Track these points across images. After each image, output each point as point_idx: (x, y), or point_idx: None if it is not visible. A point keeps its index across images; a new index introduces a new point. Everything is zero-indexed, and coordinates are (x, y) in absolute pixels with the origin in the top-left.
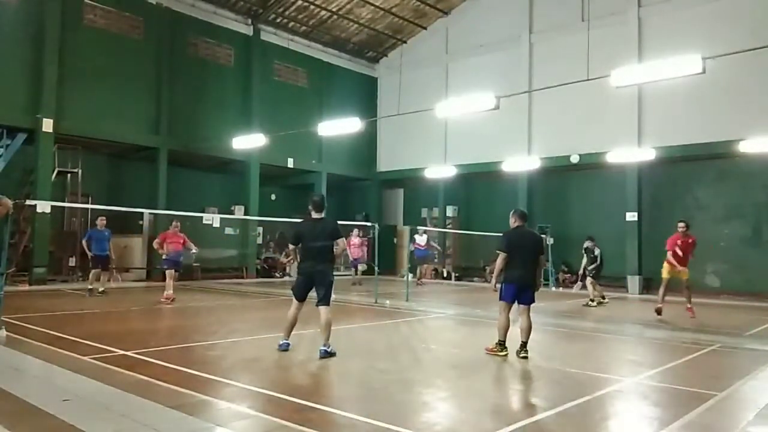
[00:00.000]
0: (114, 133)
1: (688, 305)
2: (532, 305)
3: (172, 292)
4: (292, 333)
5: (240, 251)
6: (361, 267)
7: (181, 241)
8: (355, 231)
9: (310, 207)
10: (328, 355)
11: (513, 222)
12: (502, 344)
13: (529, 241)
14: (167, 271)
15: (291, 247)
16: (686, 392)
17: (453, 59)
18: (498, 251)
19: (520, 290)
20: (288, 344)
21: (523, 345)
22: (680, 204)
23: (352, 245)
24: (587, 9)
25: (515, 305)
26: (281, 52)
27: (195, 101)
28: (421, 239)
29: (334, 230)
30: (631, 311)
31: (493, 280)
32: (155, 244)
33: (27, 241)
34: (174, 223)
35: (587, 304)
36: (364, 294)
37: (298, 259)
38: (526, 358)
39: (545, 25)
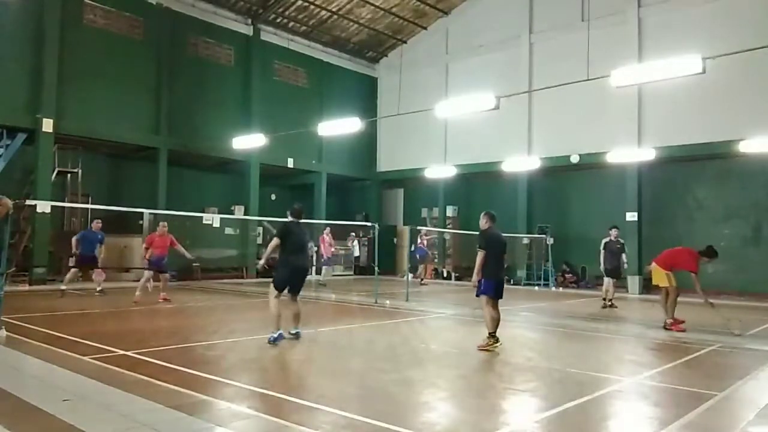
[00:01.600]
0: (114, 133)
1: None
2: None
3: (139, 293)
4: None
5: (240, 251)
6: (329, 270)
7: (168, 243)
8: (327, 229)
9: (290, 214)
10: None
11: (485, 223)
12: (493, 336)
13: (501, 241)
14: (146, 271)
15: (276, 242)
16: (686, 392)
17: (453, 59)
18: (480, 249)
19: (498, 285)
20: (282, 334)
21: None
22: (680, 204)
23: (326, 243)
24: (587, 9)
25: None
26: (281, 52)
27: (195, 101)
28: (424, 240)
29: (308, 234)
30: (632, 311)
31: (476, 276)
32: (143, 249)
33: (27, 241)
34: (161, 224)
35: (612, 305)
36: (364, 294)
37: (284, 253)
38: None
39: (545, 25)
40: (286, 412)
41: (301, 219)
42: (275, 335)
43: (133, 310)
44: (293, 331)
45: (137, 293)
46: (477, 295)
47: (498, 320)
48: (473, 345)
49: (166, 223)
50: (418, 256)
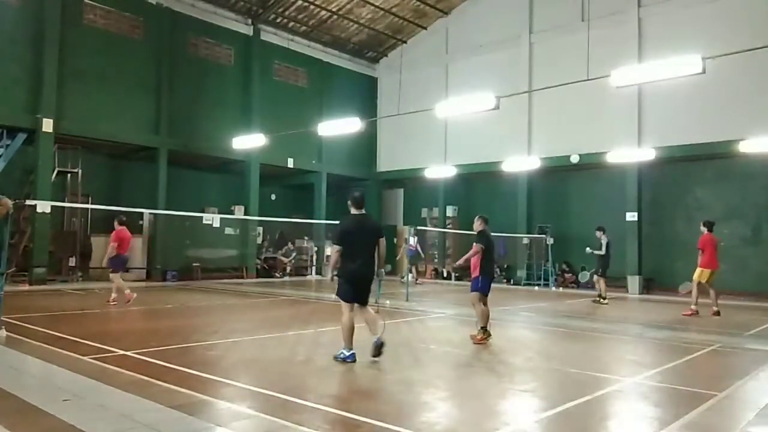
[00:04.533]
0: (114, 133)
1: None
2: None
3: (128, 291)
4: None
5: (240, 251)
6: None
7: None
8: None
9: (349, 203)
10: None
11: (479, 225)
12: (485, 329)
13: (493, 242)
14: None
15: (336, 248)
16: (686, 392)
17: (453, 59)
18: (480, 247)
19: (490, 282)
20: (354, 354)
21: (483, 329)
22: (680, 204)
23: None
24: (587, 9)
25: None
26: (281, 52)
27: (195, 101)
28: (413, 240)
29: (379, 228)
30: (632, 311)
31: (476, 272)
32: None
33: (27, 241)
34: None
35: (598, 301)
36: None
37: (343, 259)
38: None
39: (545, 25)
40: (286, 412)
41: (362, 209)
42: (346, 353)
43: (133, 310)
44: (375, 342)
45: (126, 292)
46: (472, 291)
47: (488, 314)
48: (473, 345)
49: (116, 219)
50: (409, 256)
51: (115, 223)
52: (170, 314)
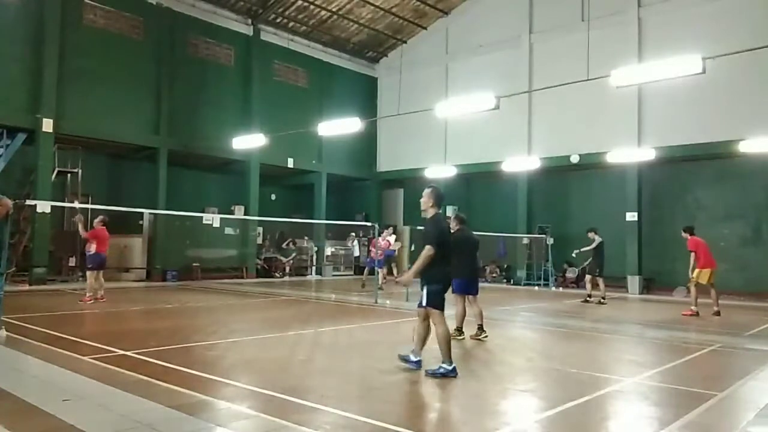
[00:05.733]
0: (114, 133)
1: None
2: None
3: (102, 292)
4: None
5: (240, 251)
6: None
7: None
8: (386, 232)
9: (430, 199)
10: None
11: (454, 225)
12: (459, 330)
13: (472, 242)
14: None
15: (431, 250)
16: (686, 392)
17: (453, 59)
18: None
19: (469, 284)
20: (456, 368)
21: (480, 327)
22: (680, 204)
23: (381, 246)
24: (587, 9)
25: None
26: (281, 52)
27: (195, 101)
28: (391, 239)
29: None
30: (631, 311)
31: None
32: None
33: (27, 241)
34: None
35: (591, 301)
36: (364, 294)
37: (440, 263)
38: (486, 337)
39: (545, 25)
40: (286, 412)
41: (440, 207)
42: (448, 367)
43: (134, 310)
44: (414, 359)
45: (89, 295)
46: (452, 292)
47: (480, 314)
48: (473, 345)
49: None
50: (386, 255)
51: (97, 222)
52: (170, 314)
